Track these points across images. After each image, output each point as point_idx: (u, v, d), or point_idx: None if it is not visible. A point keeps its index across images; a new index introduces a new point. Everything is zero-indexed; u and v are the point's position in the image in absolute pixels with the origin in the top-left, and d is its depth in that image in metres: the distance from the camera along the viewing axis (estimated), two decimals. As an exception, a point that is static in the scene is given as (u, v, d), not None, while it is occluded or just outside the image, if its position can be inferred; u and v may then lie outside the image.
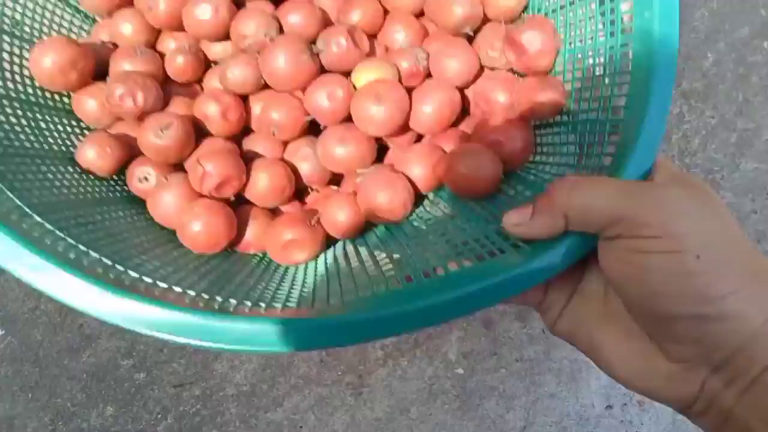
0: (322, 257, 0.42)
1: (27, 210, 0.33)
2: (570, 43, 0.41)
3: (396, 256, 0.38)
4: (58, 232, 0.33)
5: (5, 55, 0.43)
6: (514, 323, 0.71)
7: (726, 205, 0.26)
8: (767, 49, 0.79)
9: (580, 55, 0.40)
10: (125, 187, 0.44)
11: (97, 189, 0.43)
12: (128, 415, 0.63)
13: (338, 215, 0.42)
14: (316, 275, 0.40)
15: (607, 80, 0.36)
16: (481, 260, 0.32)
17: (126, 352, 0.63)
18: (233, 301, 0.32)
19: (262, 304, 0.32)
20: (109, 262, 0.32)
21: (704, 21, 0.79)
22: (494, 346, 0.71)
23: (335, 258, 0.42)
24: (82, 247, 0.32)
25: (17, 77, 0.43)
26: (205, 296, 0.32)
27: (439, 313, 0.28)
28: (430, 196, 0.46)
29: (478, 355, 0.70)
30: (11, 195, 0.34)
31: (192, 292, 0.32)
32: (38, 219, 0.33)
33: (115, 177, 0.45)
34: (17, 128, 0.40)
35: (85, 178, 0.43)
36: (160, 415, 0.63)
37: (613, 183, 0.27)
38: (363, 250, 0.41)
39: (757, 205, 0.78)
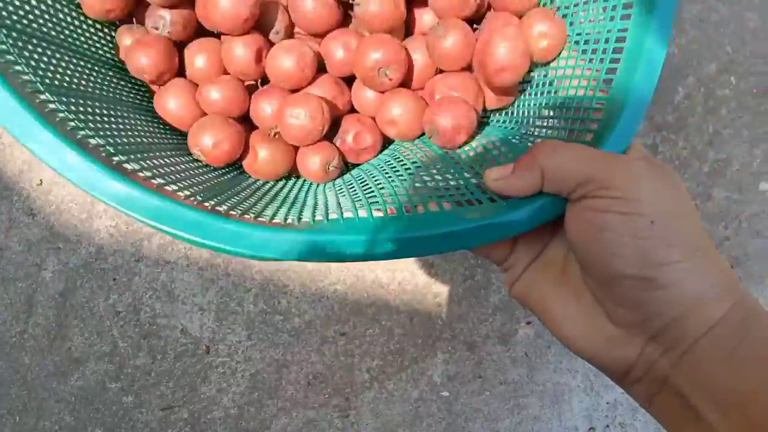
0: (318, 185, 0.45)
1: (47, 94, 0.33)
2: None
3: (382, 190, 0.39)
4: (69, 114, 0.33)
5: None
6: (497, 346, 0.72)
7: (686, 188, 0.28)
8: (734, 84, 0.84)
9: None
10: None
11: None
12: (115, 438, 0.63)
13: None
14: (306, 197, 0.41)
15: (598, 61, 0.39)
16: (459, 206, 0.34)
17: (114, 375, 0.63)
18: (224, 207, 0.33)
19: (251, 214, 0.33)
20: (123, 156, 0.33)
21: (674, 57, 0.83)
22: (478, 369, 0.72)
23: (332, 185, 0.44)
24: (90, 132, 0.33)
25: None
26: (200, 198, 0.32)
27: (413, 247, 0.31)
28: (416, 140, 0.48)
29: (463, 377, 0.71)
30: (33, 77, 0.33)
31: (187, 192, 0.33)
32: (50, 98, 0.33)
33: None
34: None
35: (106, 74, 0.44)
36: (147, 439, 0.63)
37: (589, 149, 0.29)
38: (353, 179, 0.44)
39: (729, 232, 0.81)
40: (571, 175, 0.28)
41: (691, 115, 0.83)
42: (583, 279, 0.29)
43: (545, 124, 0.43)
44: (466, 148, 0.45)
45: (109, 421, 0.63)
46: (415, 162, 0.44)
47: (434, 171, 0.42)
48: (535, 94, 0.46)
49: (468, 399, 0.71)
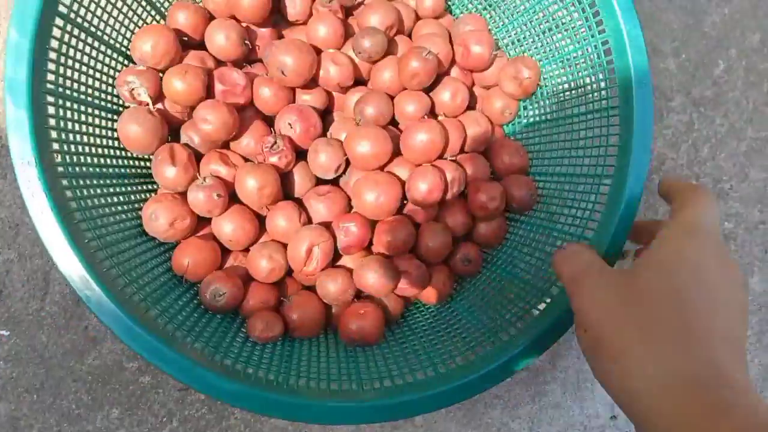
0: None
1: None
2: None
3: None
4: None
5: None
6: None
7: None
8: (779, 58, 0.79)
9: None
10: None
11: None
12: (133, 417, 0.63)
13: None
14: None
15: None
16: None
17: (131, 355, 0.63)
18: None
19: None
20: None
21: (715, 27, 0.78)
22: (499, 353, 0.70)
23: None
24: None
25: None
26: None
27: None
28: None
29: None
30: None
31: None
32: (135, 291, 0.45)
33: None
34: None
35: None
36: (165, 419, 0.63)
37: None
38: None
39: (765, 215, 0.77)
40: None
41: (732, 90, 0.78)
42: None
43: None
44: None
45: (126, 401, 0.62)
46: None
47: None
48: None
49: (488, 383, 0.70)
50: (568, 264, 0.39)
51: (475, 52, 0.57)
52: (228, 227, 0.50)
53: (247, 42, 0.54)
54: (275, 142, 0.50)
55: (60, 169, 0.44)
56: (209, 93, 0.53)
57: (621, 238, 0.46)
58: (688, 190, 0.39)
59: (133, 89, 0.50)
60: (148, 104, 0.51)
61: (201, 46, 0.56)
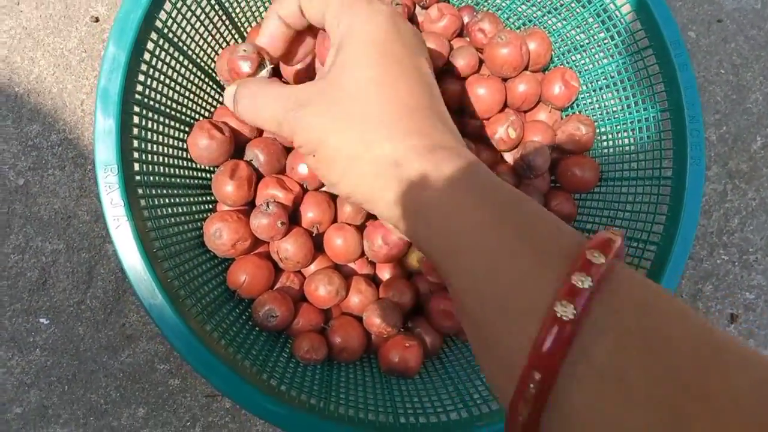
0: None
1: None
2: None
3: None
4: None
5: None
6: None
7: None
8: (815, 140, 0.81)
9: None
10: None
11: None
12: (158, 418, 0.64)
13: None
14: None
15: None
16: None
17: (164, 356, 0.64)
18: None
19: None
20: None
21: (758, 104, 0.81)
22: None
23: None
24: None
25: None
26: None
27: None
28: None
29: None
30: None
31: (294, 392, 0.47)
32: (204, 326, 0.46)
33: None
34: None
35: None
36: (189, 423, 0.64)
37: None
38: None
39: (786, 290, 0.79)
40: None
41: (766, 166, 0.80)
42: None
43: None
44: None
45: (153, 401, 0.64)
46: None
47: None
48: None
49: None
50: (262, 108, 0.34)
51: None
52: (289, 248, 0.51)
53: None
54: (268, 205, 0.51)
55: (137, 177, 0.46)
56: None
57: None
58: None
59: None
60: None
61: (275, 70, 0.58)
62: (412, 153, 0.28)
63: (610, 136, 0.60)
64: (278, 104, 0.32)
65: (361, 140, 0.29)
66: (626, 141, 0.58)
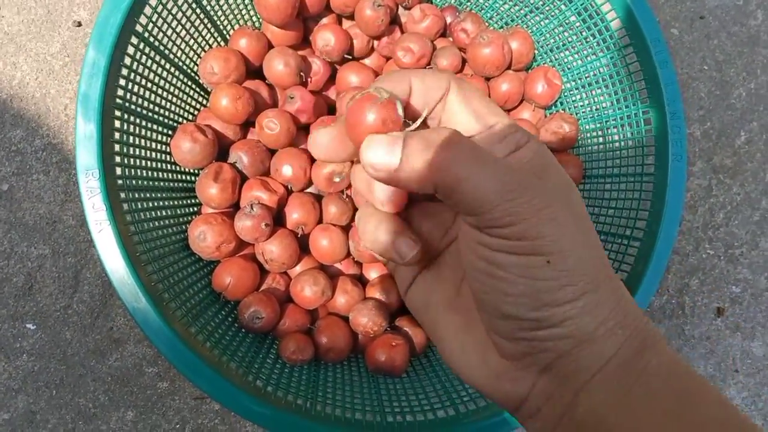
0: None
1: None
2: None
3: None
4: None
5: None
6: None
7: (585, 207, 0.25)
8: (799, 135, 0.82)
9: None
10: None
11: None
12: (147, 422, 0.64)
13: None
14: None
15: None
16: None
17: (152, 359, 0.64)
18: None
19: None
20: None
21: (741, 100, 0.81)
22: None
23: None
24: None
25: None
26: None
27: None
28: None
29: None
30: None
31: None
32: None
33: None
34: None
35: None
36: (178, 425, 0.64)
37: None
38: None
39: (772, 284, 0.80)
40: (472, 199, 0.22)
41: (750, 160, 0.81)
42: (477, 307, 0.26)
43: None
44: None
45: (142, 405, 0.64)
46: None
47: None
48: None
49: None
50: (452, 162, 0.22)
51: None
52: (274, 250, 0.51)
53: (302, 73, 0.56)
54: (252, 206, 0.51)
55: (120, 181, 0.46)
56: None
57: (646, 300, 0.49)
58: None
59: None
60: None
61: (257, 72, 0.58)
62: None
63: (593, 134, 0.60)
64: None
65: None
66: (609, 138, 0.59)
